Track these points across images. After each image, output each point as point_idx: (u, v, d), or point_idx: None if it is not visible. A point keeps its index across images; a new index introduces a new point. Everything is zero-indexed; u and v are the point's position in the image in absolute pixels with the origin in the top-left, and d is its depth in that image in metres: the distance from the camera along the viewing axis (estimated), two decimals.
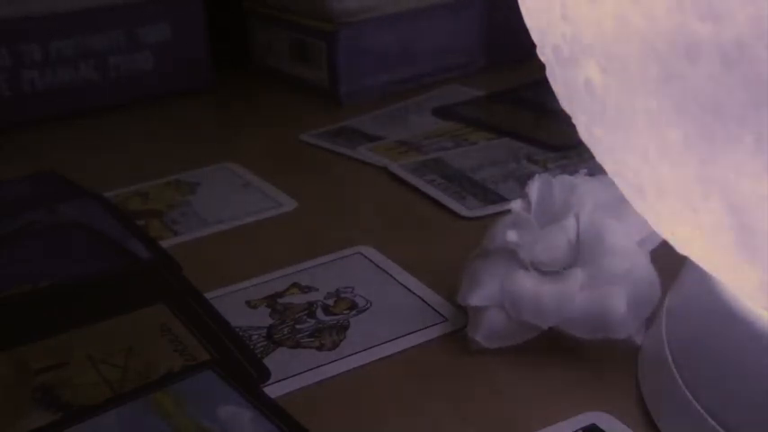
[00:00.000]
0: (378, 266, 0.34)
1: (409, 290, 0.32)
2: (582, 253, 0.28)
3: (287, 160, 0.46)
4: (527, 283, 0.28)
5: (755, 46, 0.15)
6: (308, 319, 0.31)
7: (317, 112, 0.52)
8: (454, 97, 0.53)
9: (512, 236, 0.28)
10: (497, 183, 0.40)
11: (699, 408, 0.23)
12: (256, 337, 0.30)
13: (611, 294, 0.27)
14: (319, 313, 0.31)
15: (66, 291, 0.34)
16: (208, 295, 0.33)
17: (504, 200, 0.38)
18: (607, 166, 0.22)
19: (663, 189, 0.19)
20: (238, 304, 0.32)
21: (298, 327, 0.30)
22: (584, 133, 0.22)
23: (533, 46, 0.22)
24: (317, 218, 0.39)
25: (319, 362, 0.29)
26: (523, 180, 0.35)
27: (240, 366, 0.28)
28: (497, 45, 0.57)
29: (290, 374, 0.28)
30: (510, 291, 0.28)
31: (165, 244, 0.37)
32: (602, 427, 0.25)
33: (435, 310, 0.31)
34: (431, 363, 0.28)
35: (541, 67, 0.22)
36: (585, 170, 0.30)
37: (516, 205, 0.29)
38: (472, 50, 0.57)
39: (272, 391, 0.27)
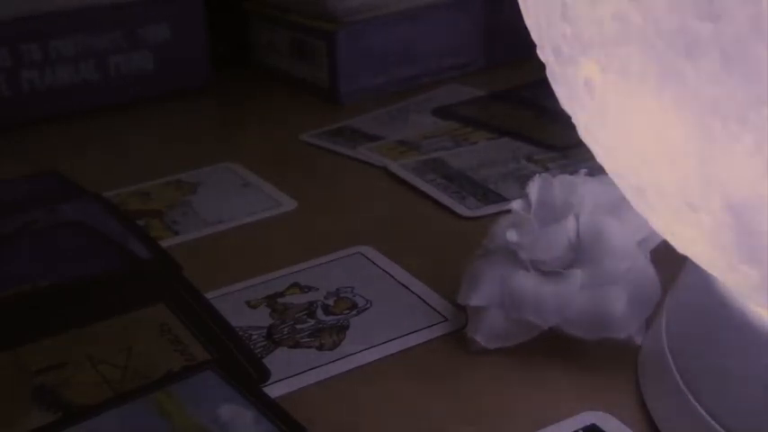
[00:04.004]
0: (378, 266, 0.34)
1: (409, 290, 0.32)
2: (582, 253, 0.28)
3: (287, 160, 0.46)
4: (527, 283, 0.28)
5: (755, 46, 0.15)
6: (308, 319, 0.31)
7: (317, 112, 0.52)
8: (454, 97, 0.53)
9: (512, 236, 0.28)
10: (497, 183, 0.40)
11: (699, 408, 0.23)
12: (256, 337, 0.30)
13: (611, 294, 0.27)
14: (319, 313, 0.31)
15: (66, 291, 0.34)
16: (208, 295, 0.33)
17: (504, 200, 0.38)
18: (607, 166, 0.22)
19: (663, 189, 0.19)
20: (238, 304, 0.32)
21: (298, 327, 0.30)
22: (584, 133, 0.22)
23: (533, 46, 0.22)
24: (317, 218, 0.39)
25: (319, 362, 0.29)
26: (523, 180, 0.35)
27: (240, 366, 0.28)
28: (497, 45, 0.57)
29: (290, 374, 0.28)
30: (510, 291, 0.28)
31: (164, 244, 0.37)
32: (602, 427, 0.25)
33: (435, 310, 0.31)
34: (431, 363, 0.28)
35: (541, 67, 0.22)
36: (585, 170, 0.30)
37: (516, 205, 0.29)
38: (472, 50, 0.57)
39: (272, 391, 0.27)
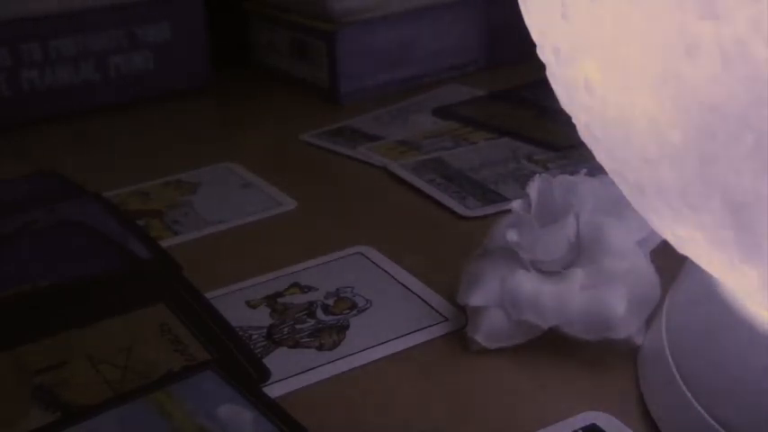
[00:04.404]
0: (378, 266, 0.34)
1: (409, 290, 0.32)
2: (582, 253, 0.28)
3: (287, 160, 0.46)
4: (527, 283, 0.28)
5: (755, 46, 0.15)
6: (308, 319, 0.31)
7: (317, 112, 0.52)
8: (454, 97, 0.53)
9: (512, 236, 0.28)
10: (497, 183, 0.40)
11: (699, 408, 0.23)
12: (256, 337, 0.30)
13: (611, 294, 0.27)
14: (319, 313, 0.31)
15: (66, 291, 0.34)
16: (208, 295, 0.33)
17: (504, 200, 0.38)
18: (607, 166, 0.22)
19: (663, 189, 0.19)
20: (238, 304, 0.32)
21: (298, 327, 0.30)
22: (584, 133, 0.22)
23: (533, 46, 0.22)
24: (317, 218, 0.39)
25: (319, 362, 0.29)
26: (523, 180, 0.36)
27: (240, 366, 0.28)
28: (497, 45, 0.57)
29: (290, 374, 0.28)
30: (510, 291, 0.28)
31: (165, 244, 0.37)
32: (602, 427, 0.25)
33: (435, 310, 0.31)
34: (431, 363, 0.28)
35: (541, 67, 0.22)
36: (585, 170, 0.30)
37: (516, 205, 0.29)
38: (472, 50, 0.57)
39: (272, 391, 0.27)
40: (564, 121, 0.23)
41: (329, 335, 0.30)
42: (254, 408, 0.26)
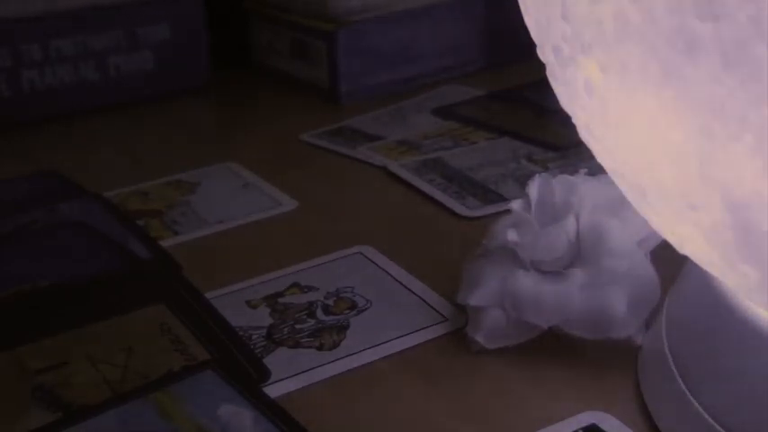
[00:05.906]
0: (378, 266, 0.34)
1: (409, 290, 0.32)
2: (582, 253, 0.28)
3: (287, 160, 0.46)
4: (527, 282, 0.28)
5: (755, 46, 0.15)
6: (308, 319, 0.31)
7: (317, 112, 0.52)
8: (454, 97, 0.53)
9: (512, 235, 0.28)
10: (497, 183, 0.40)
11: (699, 408, 0.23)
12: (256, 337, 0.30)
13: (611, 294, 0.27)
14: (319, 313, 0.31)
15: (66, 291, 0.34)
16: (208, 295, 0.33)
17: (504, 200, 0.38)
18: (607, 166, 0.22)
19: (663, 189, 0.19)
20: (238, 304, 0.32)
21: (298, 327, 0.30)
22: (584, 133, 0.22)
23: (533, 46, 0.22)
24: (316, 218, 0.39)
25: (319, 362, 0.29)
26: (523, 180, 0.35)
27: (240, 366, 0.28)
28: (497, 45, 0.57)
29: (290, 374, 0.28)
30: (510, 291, 0.28)
31: (165, 244, 0.37)
32: (602, 427, 0.25)
33: (435, 310, 0.31)
34: (431, 362, 0.28)
35: (541, 67, 0.22)
36: (585, 170, 0.30)
37: (516, 205, 0.29)
38: (472, 50, 0.57)
39: (272, 391, 0.27)
40: (564, 121, 0.23)
41: (329, 335, 0.30)
42: (254, 408, 0.26)
